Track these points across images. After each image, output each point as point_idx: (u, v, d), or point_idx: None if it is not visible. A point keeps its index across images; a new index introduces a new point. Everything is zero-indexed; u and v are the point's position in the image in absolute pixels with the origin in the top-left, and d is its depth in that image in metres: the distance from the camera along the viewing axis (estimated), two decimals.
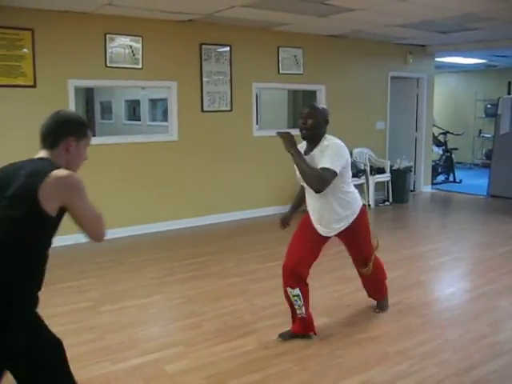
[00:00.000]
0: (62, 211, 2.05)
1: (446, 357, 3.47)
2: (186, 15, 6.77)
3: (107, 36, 6.58)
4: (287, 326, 3.94)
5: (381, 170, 9.11)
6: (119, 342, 3.80)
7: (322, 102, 8.72)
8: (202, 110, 7.44)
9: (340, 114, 8.93)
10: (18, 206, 1.97)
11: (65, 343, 3.77)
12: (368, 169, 8.83)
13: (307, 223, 3.81)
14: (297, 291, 3.65)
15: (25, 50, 6.02)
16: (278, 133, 3.55)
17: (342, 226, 3.74)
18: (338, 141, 3.65)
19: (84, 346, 3.70)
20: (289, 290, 3.68)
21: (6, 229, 1.97)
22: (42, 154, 2.18)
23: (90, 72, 6.56)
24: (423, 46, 9.86)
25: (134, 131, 11.12)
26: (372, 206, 8.80)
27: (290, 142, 3.47)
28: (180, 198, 7.33)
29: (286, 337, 3.76)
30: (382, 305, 4.29)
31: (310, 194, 3.73)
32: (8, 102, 6.04)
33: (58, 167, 2.05)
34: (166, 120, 8.62)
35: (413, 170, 9.86)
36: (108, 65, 6.64)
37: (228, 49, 7.59)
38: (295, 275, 3.67)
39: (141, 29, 6.80)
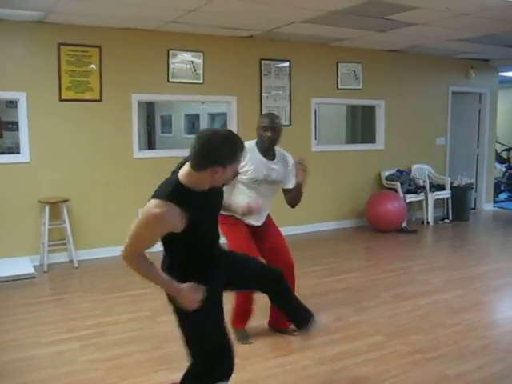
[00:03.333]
0: (187, 228, 2.31)
1: (509, 382, 3.36)
2: (247, 31, 6.88)
3: (170, 52, 6.77)
4: (343, 343, 3.92)
5: (440, 187, 8.93)
6: (177, 351, 3.85)
7: (381, 118, 8.68)
8: None
9: (399, 129, 8.85)
10: None
11: (125, 350, 3.89)
12: (427, 185, 8.68)
13: (236, 223, 3.88)
14: None
15: (92, 66, 6.28)
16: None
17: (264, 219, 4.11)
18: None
19: (143, 354, 3.79)
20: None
21: None
22: (186, 168, 2.37)
23: (152, 87, 6.76)
24: (486, 60, 9.64)
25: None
26: (431, 223, 8.62)
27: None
28: None
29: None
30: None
31: (258, 193, 3.92)
32: (76, 115, 6.30)
33: (167, 188, 2.38)
34: None
35: (474, 187, 9.62)
36: (170, 80, 6.82)
37: (287, 64, 7.66)
38: None
39: (202, 45, 6.96)
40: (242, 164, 3.72)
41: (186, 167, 2.35)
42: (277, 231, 4.16)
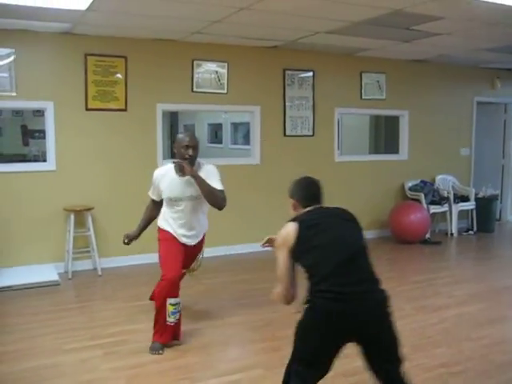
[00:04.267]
0: None
1: None
2: (271, 41, 6.91)
3: (194, 62, 6.83)
4: None
5: (465, 198, 8.82)
6: (198, 361, 3.87)
7: (404, 128, 8.63)
8: (285, 135, 7.53)
9: (423, 139, 8.79)
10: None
11: (145, 359, 3.90)
12: (452, 196, 8.58)
13: (170, 238, 4.17)
14: (178, 299, 4.01)
15: (118, 75, 6.36)
16: (177, 162, 4.02)
17: (199, 239, 4.35)
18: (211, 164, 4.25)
19: (165, 363, 3.80)
20: (171, 300, 3.94)
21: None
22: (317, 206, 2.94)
23: (177, 96, 6.82)
24: None
25: (216, 154, 11.37)
26: (455, 234, 8.52)
27: (190, 168, 3.92)
28: (261, 221, 7.39)
29: (157, 349, 3.94)
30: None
31: (181, 211, 4.14)
32: (102, 124, 6.38)
33: None
34: (246, 143, 8.78)
35: (499, 198, 9.48)
36: (194, 89, 6.88)
37: (311, 74, 7.67)
38: (177, 284, 4.02)
39: (227, 55, 7.01)
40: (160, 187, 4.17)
41: (312, 206, 2.92)
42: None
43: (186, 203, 4.10)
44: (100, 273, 6.16)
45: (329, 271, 2.57)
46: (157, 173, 4.24)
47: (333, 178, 7.95)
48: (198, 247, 4.40)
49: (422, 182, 8.61)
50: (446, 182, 8.96)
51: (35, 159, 8.50)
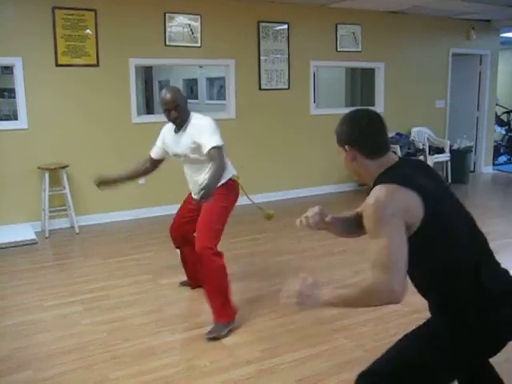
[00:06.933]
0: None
1: None
2: None
3: (167, 15, 6.68)
4: None
5: (440, 150, 8.91)
6: (177, 313, 3.93)
7: (380, 81, 8.61)
8: (260, 88, 7.47)
9: (399, 92, 8.80)
10: None
11: (127, 313, 3.93)
12: (427, 148, 8.66)
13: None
14: None
15: (88, 31, 6.19)
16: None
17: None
18: (207, 117, 3.75)
19: (145, 316, 3.84)
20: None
21: None
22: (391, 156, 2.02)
23: (150, 51, 6.68)
24: (488, 20, 9.50)
25: (192, 110, 11.26)
26: None
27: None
28: (238, 175, 7.40)
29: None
30: (217, 329, 3.50)
31: (188, 169, 3.83)
32: (74, 80, 6.24)
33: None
34: (222, 98, 8.69)
35: (473, 150, 9.60)
36: (167, 43, 6.75)
37: (286, 26, 7.56)
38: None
39: (199, 7, 6.86)
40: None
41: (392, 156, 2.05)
42: (205, 209, 3.62)
43: (186, 160, 3.77)
44: (77, 231, 6.14)
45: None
46: (165, 127, 3.93)
47: (308, 131, 7.97)
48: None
49: (397, 134, 8.66)
50: (421, 134, 9.03)
51: (6, 119, 8.33)
